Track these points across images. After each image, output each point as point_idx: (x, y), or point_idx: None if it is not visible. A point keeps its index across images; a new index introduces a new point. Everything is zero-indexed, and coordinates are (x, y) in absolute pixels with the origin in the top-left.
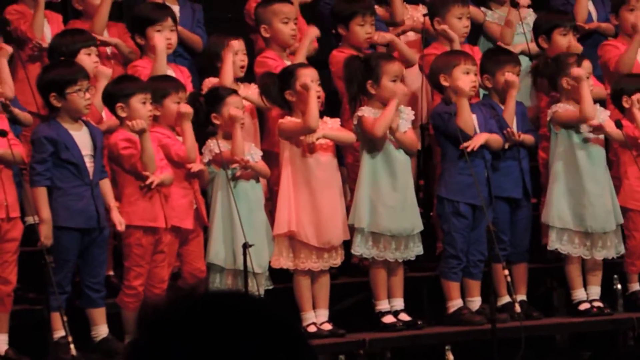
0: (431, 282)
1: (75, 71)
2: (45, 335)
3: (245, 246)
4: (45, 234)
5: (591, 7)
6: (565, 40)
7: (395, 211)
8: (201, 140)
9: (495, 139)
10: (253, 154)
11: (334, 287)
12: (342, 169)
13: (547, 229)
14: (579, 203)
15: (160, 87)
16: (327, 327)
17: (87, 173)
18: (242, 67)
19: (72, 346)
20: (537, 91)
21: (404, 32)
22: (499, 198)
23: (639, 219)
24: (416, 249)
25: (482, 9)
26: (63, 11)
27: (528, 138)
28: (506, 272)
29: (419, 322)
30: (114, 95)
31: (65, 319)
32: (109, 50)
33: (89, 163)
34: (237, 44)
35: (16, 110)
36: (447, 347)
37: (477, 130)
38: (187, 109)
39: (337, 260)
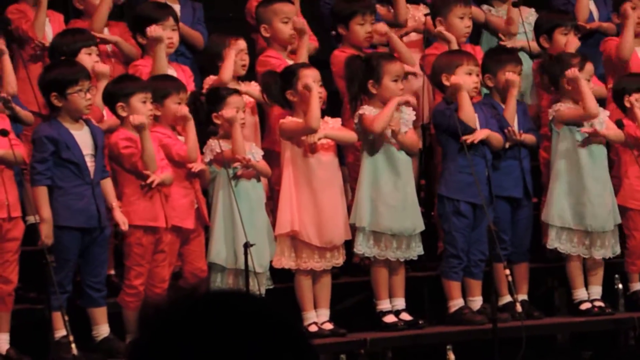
0: (432, 282)
1: (77, 71)
2: (47, 334)
3: (247, 246)
4: (46, 234)
5: (592, 7)
6: (567, 40)
7: (396, 210)
8: (202, 139)
9: (496, 137)
10: (254, 153)
11: (335, 286)
12: (343, 169)
13: (547, 228)
14: (580, 202)
15: (160, 87)
16: (329, 326)
17: (87, 172)
18: (243, 65)
19: (73, 346)
20: (540, 90)
21: (406, 34)
22: (499, 197)
23: (639, 219)
24: (417, 248)
25: (485, 6)
26: (64, 10)
27: (529, 138)
28: (507, 271)
29: (420, 322)
30: (115, 95)
31: (66, 318)
32: (109, 48)
33: (89, 162)
34: (242, 43)
35: (17, 108)
36: (448, 347)
37: (479, 129)
38: (186, 111)
39: (339, 260)
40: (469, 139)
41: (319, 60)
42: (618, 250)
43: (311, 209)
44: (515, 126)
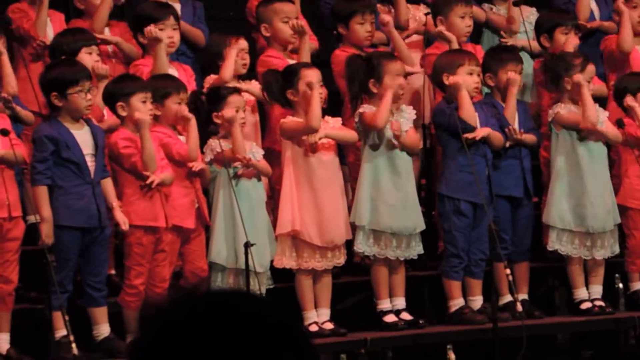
0: (433, 281)
1: (78, 71)
2: (47, 334)
3: (247, 245)
4: (46, 233)
5: (594, 5)
6: (566, 39)
7: (396, 209)
8: (203, 139)
9: (497, 137)
10: (255, 152)
11: (335, 286)
12: (343, 168)
13: (548, 229)
14: (580, 203)
15: (161, 87)
16: (329, 326)
17: (88, 172)
18: (244, 65)
19: (73, 345)
20: (541, 89)
21: (408, 37)
22: (499, 196)
23: (639, 218)
24: (417, 248)
25: (486, 5)
26: (65, 10)
27: (530, 138)
28: (508, 271)
29: (421, 322)
30: (115, 94)
31: (66, 318)
32: (110, 49)
33: (90, 162)
34: (243, 43)
35: (17, 108)
36: (448, 347)
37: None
38: (187, 111)
39: (340, 259)
40: (470, 136)
41: (320, 60)
42: (617, 250)
43: (312, 209)
44: (515, 125)
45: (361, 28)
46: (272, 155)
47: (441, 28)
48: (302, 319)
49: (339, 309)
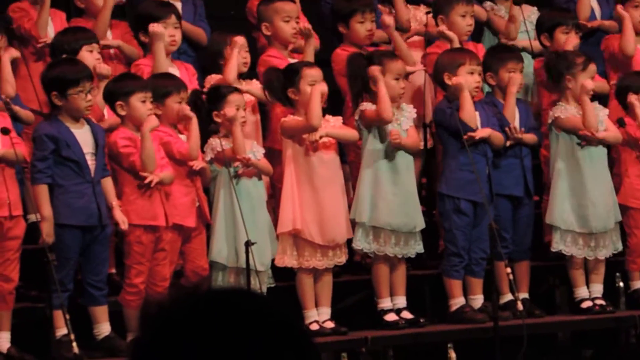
0: (433, 280)
1: (79, 71)
2: (48, 333)
3: (248, 244)
4: (47, 232)
5: (594, 4)
6: (566, 38)
7: (395, 206)
8: (203, 138)
9: (497, 136)
10: (255, 151)
11: (336, 285)
12: (344, 167)
13: (550, 228)
14: (582, 204)
15: (161, 87)
16: (330, 325)
17: (88, 171)
18: (244, 63)
19: (74, 344)
20: (542, 88)
21: (409, 37)
22: (500, 195)
23: (639, 217)
24: (417, 246)
25: (488, 3)
26: (66, 9)
27: (531, 137)
28: (508, 270)
29: (421, 320)
30: (114, 93)
31: (67, 316)
32: (112, 51)
33: (90, 161)
34: (241, 40)
35: (16, 108)
36: (449, 345)
37: (479, 128)
38: (187, 110)
39: (341, 258)
40: (471, 135)
41: (320, 59)
42: (620, 247)
43: (313, 208)
44: (516, 124)
45: (361, 27)
46: (273, 154)
47: (442, 27)
48: (303, 317)
49: (340, 307)
